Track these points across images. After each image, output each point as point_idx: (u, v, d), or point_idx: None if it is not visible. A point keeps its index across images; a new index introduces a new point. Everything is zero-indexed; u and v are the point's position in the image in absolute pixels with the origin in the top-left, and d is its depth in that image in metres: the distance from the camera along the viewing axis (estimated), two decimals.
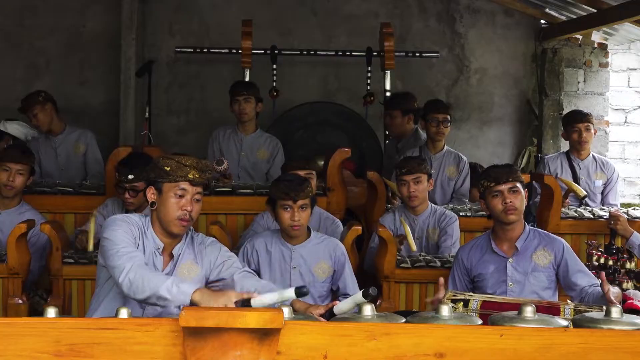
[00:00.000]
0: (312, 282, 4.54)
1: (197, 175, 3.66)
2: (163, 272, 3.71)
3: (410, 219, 5.47)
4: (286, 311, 2.95)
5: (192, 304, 3.30)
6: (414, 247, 5.24)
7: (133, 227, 3.67)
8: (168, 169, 3.65)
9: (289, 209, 4.51)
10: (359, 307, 3.12)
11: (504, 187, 4.29)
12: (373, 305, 3.10)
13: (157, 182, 3.68)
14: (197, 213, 3.71)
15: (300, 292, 3.27)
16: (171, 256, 3.75)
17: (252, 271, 3.93)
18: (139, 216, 3.78)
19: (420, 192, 5.41)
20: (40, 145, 6.50)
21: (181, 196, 3.65)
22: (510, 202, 4.27)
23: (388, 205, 5.97)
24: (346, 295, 4.50)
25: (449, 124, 6.43)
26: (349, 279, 4.61)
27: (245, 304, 3.24)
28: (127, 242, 3.59)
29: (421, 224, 5.48)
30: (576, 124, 6.40)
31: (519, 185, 4.32)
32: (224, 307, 3.17)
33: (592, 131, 6.46)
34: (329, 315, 3.51)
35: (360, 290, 3.37)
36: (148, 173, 3.76)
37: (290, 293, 3.29)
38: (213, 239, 3.94)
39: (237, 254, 4.16)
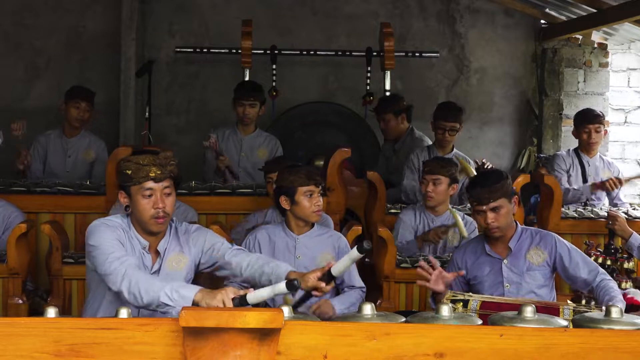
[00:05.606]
0: None
1: (158, 172, 3.66)
2: (152, 269, 3.72)
3: (429, 219, 5.50)
4: (286, 311, 2.95)
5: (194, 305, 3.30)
6: (465, 233, 5.25)
7: (118, 230, 3.68)
8: (129, 172, 3.67)
9: (312, 195, 4.48)
10: (359, 307, 3.12)
11: (485, 208, 4.29)
12: (373, 304, 3.10)
13: (124, 186, 3.70)
14: (171, 206, 3.71)
15: (290, 285, 3.25)
16: (157, 253, 3.76)
17: (242, 247, 3.93)
18: (120, 217, 3.79)
19: (437, 194, 5.43)
20: (50, 143, 6.51)
21: (150, 196, 3.66)
22: (492, 221, 4.28)
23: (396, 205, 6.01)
24: (351, 287, 4.55)
25: (456, 133, 6.42)
26: (353, 271, 4.59)
27: (242, 301, 3.24)
28: (115, 246, 3.59)
29: (439, 225, 5.48)
30: (587, 124, 6.40)
31: (501, 201, 4.28)
32: (223, 307, 3.17)
33: (602, 132, 6.45)
34: (328, 279, 3.51)
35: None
36: (117, 177, 3.76)
37: (282, 287, 3.27)
38: (198, 225, 3.94)
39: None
